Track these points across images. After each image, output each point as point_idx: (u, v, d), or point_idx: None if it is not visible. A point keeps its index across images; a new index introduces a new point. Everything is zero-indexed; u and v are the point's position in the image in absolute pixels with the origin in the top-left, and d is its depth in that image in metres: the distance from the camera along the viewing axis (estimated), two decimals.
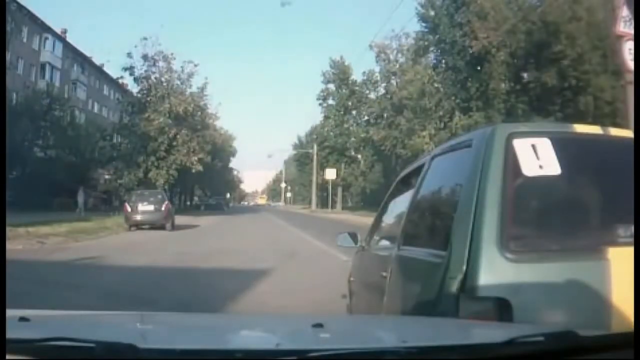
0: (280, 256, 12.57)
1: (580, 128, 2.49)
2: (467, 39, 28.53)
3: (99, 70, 54.06)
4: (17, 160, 29.88)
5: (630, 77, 8.44)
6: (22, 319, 1.55)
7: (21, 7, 32.24)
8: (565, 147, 2.25)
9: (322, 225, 24.84)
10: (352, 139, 54.48)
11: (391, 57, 43.95)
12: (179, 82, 37.42)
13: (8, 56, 29.30)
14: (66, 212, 27.00)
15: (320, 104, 56.42)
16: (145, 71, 36.44)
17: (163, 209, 22.61)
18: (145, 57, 35.93)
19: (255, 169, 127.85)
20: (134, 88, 38.51)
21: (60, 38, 46.92)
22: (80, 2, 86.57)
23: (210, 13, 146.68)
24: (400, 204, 3.33)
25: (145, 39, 35.45)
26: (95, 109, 53.79)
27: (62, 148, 36.91)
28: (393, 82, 43.35)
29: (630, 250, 1.97)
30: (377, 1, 73.49)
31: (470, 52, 28.56)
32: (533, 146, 2.21)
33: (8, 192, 19.50)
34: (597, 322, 1.91)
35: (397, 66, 42.17)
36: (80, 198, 32.11)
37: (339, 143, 55.49)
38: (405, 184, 3.47)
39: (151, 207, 22.43)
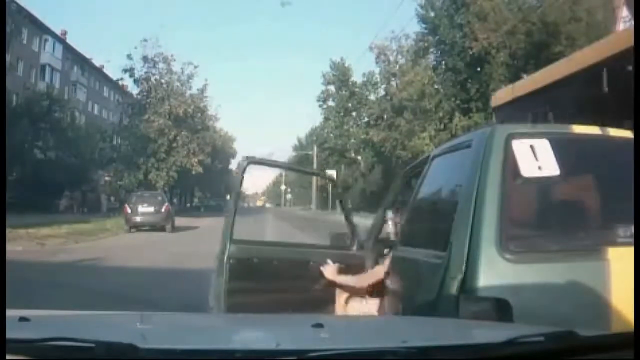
0: None
1: (579, 129, 2.49)
2: (467, 40, 28.51)
3: (99, 72, 53.93)
4: (17, 162, 29.83)
5: None
6: (22, 319, 1.54)
7: (21, 9, 32.22)
8: (564, 148, 2.25)
9: (323, 227, 24.74)
10: (352, 140, 54.33)
11: (391, 58, 43.80)
12: (178, 84, 37.46)
13: (8, 57, 29.19)
14: (66, 214, 26.98)
15: (320, 106, 56.32)
16: (145, 73, 36.51)
17: (163, 210, 22.59)
18: (145, 59, 35.98)
19: (255, 170, 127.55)
20: (134, 90, 38.65)
21: (60, 39, 46.85)
22: (80, 4, 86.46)
23: (210, 14, 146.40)
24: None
25: (145, 40, 35.53)
26: (95, 111, 53.71)
27: (62, 149, 36.85)
28: (393, 83, 43.22)
29: (630, 250, 1.97)
30: (377, 2, 73.40)
31: (470, 53, 28.52)
32: (532, 147, 2.21)
33: (8, 193, 19.48)
34: (597, 322, 1.91)
35: (397, 67, 42.06)
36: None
37: (339, 145, 55.39)
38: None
39: (151, 209, 22.39)
